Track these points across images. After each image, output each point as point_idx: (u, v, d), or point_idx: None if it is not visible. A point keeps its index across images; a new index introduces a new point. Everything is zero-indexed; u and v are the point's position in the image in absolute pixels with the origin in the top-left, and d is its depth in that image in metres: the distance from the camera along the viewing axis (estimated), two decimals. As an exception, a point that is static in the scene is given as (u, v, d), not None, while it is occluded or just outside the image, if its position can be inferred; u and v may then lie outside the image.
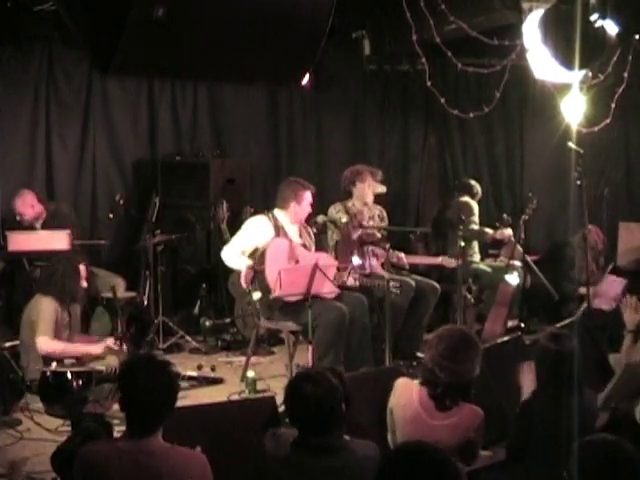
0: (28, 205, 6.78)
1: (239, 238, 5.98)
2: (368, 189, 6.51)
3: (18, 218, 6.74)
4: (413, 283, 6.20)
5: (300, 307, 5.53)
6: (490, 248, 7.61)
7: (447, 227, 7.16)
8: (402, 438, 3.53)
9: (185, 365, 6.25)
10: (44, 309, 5.55)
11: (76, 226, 6.91)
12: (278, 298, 5.64)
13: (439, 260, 6.73)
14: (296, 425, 3.04)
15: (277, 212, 5.98)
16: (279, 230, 5.88)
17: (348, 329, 5.65)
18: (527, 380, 3.88)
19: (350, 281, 5.88)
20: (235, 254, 5.90)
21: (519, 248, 6.93)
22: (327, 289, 5.60)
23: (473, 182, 7.47)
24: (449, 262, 6.61)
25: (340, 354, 5.58)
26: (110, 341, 5.65)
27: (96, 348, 5.57)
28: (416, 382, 3.65)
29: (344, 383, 3.34)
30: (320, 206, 7.89)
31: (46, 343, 5.45)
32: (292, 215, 5.96)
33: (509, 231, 7.05)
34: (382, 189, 6.62)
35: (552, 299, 7.26)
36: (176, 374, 3.08)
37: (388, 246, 5.85)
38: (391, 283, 5.55)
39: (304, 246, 5.98)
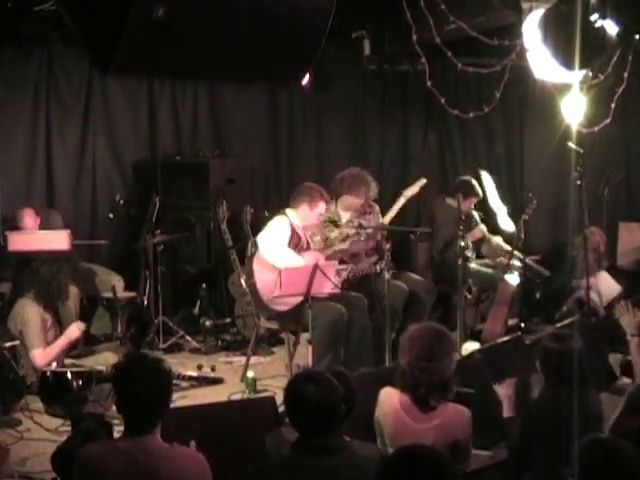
0: (34, 219, 6.81)
1: (278, 238, 5.80)
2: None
3: None
4: (406, 287, 6.20)
5: (293, 313, 5.60)
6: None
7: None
8: (390, 445, 3.51)
9: (185, 365, 6.26)
10: (29, 318, 5.56)
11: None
12: (271, 309, 5.71)
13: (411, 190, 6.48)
14: (297, 426, 3.03)
15: (289, 211, 5.97)
16: (293, 229, 5.89)
17: (348, 330, 5.67)
18: (504, 395, 3.88)
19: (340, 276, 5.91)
20: (284, 250, 5.77)
21: (496, 241, 6.87)
22: (327, 289, 5.61)
23: (473, 181, 7.36)
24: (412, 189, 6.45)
25: (339, 354, 5.59)
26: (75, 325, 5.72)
27: (73, 332, 5.66)
28: (397, 390, 3.63)
29: (351, 386, 3.33)
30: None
31: (41, 356, 5.49)
32: (301, 217, 5.94)
33: (481, 228, 6.98)
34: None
35: (550, 294, 7.27)
36: (169, 370, 3.09)
37: (388, 246, 5.83)
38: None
39: (308, 248, 5.99)
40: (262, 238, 5.82)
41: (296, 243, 5.85)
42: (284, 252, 5.73)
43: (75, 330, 5.68)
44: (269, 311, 5.80)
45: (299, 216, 5.92)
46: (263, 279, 5.76)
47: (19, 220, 6.80)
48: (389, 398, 3.59)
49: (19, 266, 6.53)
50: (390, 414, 3.53)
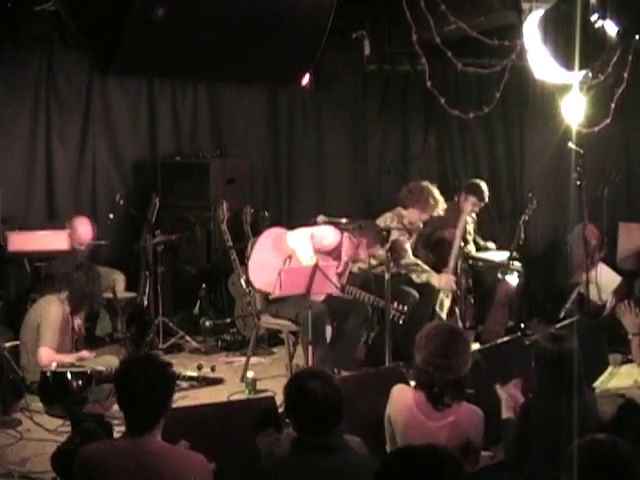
0: (88, 227, 6.84)
1: (320, 234, 6.00)
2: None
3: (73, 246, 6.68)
4: (416, 293, 6.25)
5: (282, 301, 5.68)
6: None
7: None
8: (402, 443, 3.50)
9: (185, 365, 6.26)
10: (50, 315, 5.54)
11: None
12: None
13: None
14: (298, 424, 3.02)
15: (347, 234, 6.01)
16: (340, 243, 6.00)
17: (339, 333, 5.81)
18: (508, 396, 3.87)
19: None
20: (306, 240, 5.95)
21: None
22: (327, 289, 5.63)
23: (483, 186, 7.29)
24: None
25: (327, 352, 5.65)
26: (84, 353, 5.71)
27: (84, 356, 5.66)
28: (411, 387, 3.64)
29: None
30: (320, 205, 7.92)
31: (47, 356, 5.46)
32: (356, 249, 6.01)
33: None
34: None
35: (550, 294, 7.27)
36: (174, 373, 3.10)
37: (388, 246, 5.84)
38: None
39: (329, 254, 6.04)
40: (316, 228, 5.96)
41: (333, 255, 5.95)
42: (304, 239, 5.88)
43: (86, 356, 5.67)
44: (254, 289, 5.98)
45: (353, 245, 5.99)
46: (260, 255, 5.82)
47: (72, 230, 6.72)
48: (403, 395, 3.59)
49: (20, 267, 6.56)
50: (404, 411, 3.53)
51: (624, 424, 3.42)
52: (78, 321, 5.85)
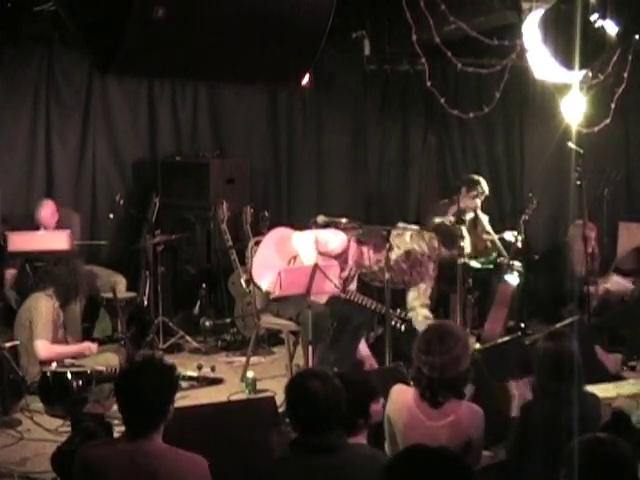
0: (54, 214, 6.87)
1: (324, 237, 5.97)
2: None
3: (41, 229, 6.78)
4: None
5: (283, 300, 5.68)
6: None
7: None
8: (402, 442, 3.50)
9: (185, 365, 6.26)
10: (40, 310, 5.57)
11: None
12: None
13: None
14: (298, 424, 3.01)
15: (355, 239, 5.99)
16: (347, 247, 5.96)
17: (338, 335, 5.77)
18: (518, 391, 3.87)
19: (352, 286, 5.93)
20: (310, 241, 5.94)
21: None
22: (328, 289, 5.63)
23: (480, 179, 7.28)
24: None
25: (327, 352, 5.64)
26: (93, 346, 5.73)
27: (87, 349, 5.66)
28: (411, 386, 3.64)
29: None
30: (320, 206, 7.92)
31: (45, 348, 5.48)
32: (362, 255, 5.98)
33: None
34: None
35: (551, 294, 7.26)
36: (177, 377, 3.10)
37: (388, 246, 5.83)
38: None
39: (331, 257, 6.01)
40: (321, 232, 5.92)
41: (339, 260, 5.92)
42: (309, 241, 5.85)
43: (89, 348, 5.69)
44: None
45: (359, 250, 5.95)
46: (265, 254, 5.83)
47: (36, 211, 6.84)
48: (402, 394, 3.59)
49: (22, 266, 6.56)
50: (403, 410, 3.52)
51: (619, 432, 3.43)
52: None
